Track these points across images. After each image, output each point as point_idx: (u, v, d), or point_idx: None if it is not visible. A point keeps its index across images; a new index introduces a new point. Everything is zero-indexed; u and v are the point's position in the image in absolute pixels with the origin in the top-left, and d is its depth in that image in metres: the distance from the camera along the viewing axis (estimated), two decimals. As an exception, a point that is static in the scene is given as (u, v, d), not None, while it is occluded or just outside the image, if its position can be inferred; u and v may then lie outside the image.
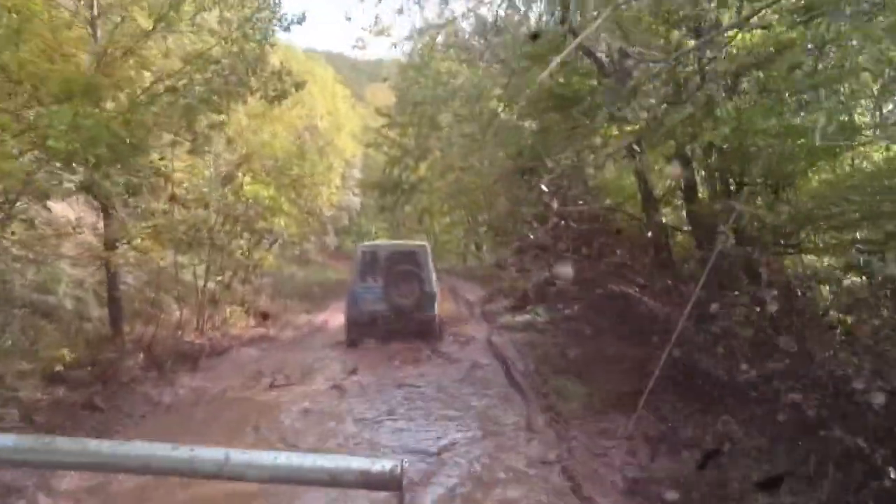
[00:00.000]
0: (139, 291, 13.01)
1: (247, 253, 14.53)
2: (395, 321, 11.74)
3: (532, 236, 10.54)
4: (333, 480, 1.49)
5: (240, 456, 1.51)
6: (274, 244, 16.76)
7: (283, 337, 13.59)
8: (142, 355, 9.44)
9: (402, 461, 1.45)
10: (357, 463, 1.47)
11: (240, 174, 11.89)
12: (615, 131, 9.46)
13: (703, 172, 9.06)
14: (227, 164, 12.06)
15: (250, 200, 12.98)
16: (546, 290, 12.53)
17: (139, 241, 9.39)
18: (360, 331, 11.87)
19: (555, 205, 11.28)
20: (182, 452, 1.49)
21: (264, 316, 13.62)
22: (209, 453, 1.51)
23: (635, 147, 10.27)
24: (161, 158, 9.70)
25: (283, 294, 18.11)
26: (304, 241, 29.87)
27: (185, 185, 10.76)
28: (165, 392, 8.44)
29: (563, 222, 10.23)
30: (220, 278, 13.58)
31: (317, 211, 23.28)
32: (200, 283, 12.87)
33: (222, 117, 10.32)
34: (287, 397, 8.20)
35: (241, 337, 12.54)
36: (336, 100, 30.82)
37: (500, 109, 19.52)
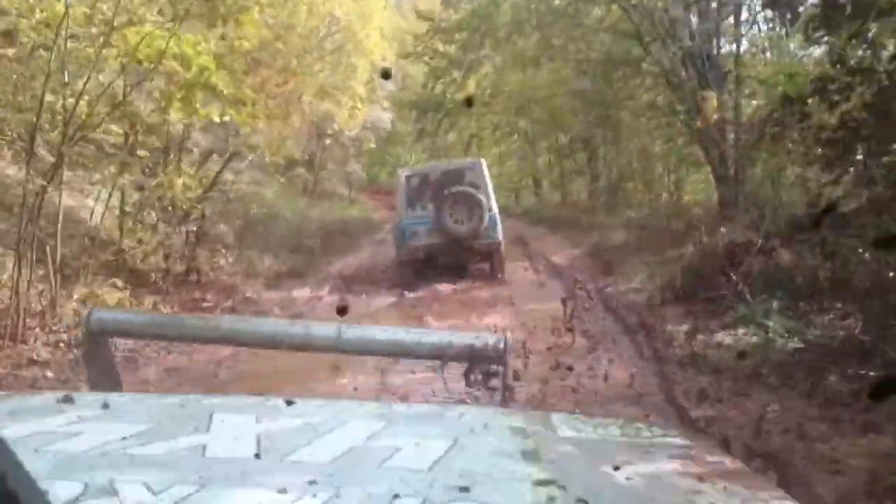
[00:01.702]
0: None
1: (160, 173, 7.73)
2: (452, 253, 10.70)
3: None
4: (438, 353, 1.52)
5: (351, 332, 1.51)
6: (230, 162, 9.91)
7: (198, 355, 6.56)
8: None
9: (506, 335, 1.38)
10: (461, 339, 1.47)
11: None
12: None
13: None
14: None
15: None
16: (783, 272, 5.43)
17: None
18: (412, 270, 10.75)
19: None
20: (299, 328, 1.54)
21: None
22: (323, 329, 1.53)
23: None
24: None
25: (259, 246, 11.34)
26: (321, 169, 23.26)
27: None
28: None
29: None
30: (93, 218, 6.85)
31: (329, 127, 16.22)
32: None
33: None
34: None
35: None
36: (362, -19, 23.31)
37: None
